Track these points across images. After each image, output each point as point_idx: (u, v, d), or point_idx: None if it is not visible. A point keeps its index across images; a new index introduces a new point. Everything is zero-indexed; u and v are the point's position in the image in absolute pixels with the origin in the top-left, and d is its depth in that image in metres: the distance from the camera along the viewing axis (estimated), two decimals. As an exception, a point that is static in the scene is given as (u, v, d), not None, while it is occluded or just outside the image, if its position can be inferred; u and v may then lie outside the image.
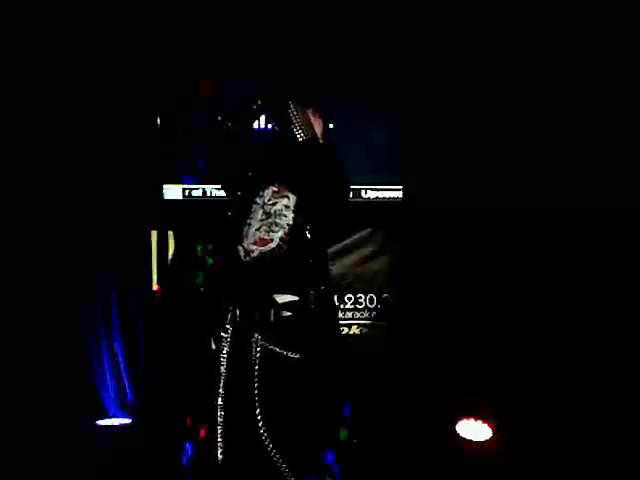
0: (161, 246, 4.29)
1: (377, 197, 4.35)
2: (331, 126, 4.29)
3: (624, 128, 4.07)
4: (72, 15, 3.96)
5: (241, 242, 2.58)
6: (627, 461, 3.42)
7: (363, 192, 4.33)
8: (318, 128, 2.67)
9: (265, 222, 2.57)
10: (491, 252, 4.16)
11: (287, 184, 2.60)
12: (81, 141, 4.10)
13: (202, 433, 2.54)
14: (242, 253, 2.57)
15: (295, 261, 2.55)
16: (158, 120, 4.29)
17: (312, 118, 2.64)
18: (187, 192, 4.33)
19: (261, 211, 2.58)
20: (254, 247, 2.56)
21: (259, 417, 2.43)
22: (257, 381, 2.45)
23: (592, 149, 4.06)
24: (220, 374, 2.49)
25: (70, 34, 3.98)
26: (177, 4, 4.08)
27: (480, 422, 3.93)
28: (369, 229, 4.34)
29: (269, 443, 2.41)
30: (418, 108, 4.18)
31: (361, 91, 4.17)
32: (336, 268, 4.20)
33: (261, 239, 2.56)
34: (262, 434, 2.42)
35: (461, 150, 4.14)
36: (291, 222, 2.57)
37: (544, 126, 4.13)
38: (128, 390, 4.23)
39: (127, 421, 4.16)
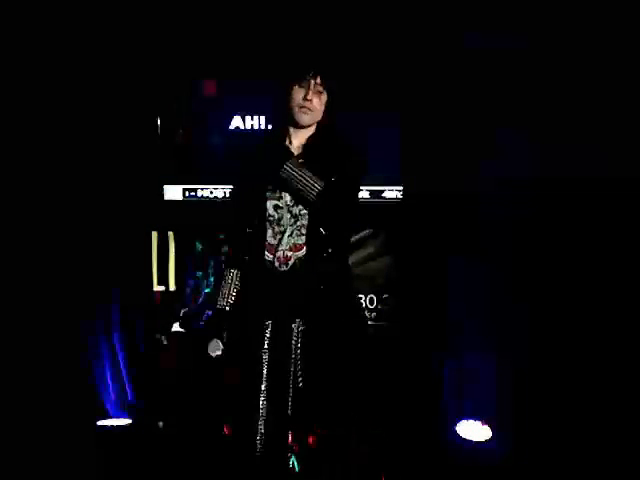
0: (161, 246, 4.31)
1: (377, 197, 4.34)
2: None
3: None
4: (72, 14, 3.96)
5: (274, 251, 2.43)
6: (628, 461, 3.42)
7: (363, 192, 4.32)
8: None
9: (295, 226, 2.44)
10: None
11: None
12: (81, 141, 4.10)
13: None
14: (277, 263, 2.43)
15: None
16: (158, 120, 4.32)
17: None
18: (187, 192, 4.34)
19: (288, 215, 2.44)
20: (290, 253, 2.42)
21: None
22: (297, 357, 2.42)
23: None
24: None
25: (69, 34, 3.98)
26: (177, 4, 4.08)
27: (480, 422, 3.94)
28: (369, 230, 4.33)
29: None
30: (418, 108, 4.17)
31: (361, 91, 4.16)
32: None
33: (295, 245, 2.43)
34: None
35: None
36: (306, 222, 2.43)
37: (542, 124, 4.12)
38: (128, 390, 4.23)
39: (127, 421, 4.16)
